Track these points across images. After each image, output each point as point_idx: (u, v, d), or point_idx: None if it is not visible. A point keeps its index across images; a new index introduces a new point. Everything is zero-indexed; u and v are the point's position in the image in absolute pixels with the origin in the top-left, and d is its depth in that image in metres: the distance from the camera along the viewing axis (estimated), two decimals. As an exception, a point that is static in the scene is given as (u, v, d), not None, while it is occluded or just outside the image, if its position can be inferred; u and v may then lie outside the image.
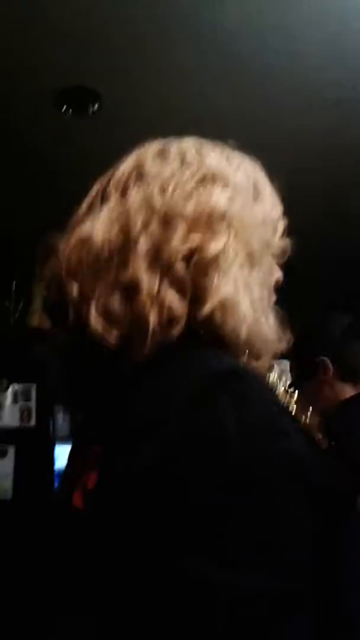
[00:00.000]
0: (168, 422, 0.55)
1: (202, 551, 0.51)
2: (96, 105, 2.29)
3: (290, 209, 0.80)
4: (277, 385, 0.97)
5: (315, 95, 2.29)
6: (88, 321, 0.64)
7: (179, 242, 0.65)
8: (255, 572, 0.50)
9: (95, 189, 0.76)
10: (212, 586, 0.49)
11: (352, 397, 1.62)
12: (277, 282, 0.77)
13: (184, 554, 0.51)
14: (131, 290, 0.64)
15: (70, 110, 2.33)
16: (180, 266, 0.65)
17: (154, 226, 0.66)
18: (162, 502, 0.53)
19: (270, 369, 0.79)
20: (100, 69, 2.13)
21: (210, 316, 0.64)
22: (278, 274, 0.77)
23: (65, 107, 2.30)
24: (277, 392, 0.75)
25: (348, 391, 1.65)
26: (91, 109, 2.31)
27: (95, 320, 0.64)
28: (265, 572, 0.50)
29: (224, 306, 0.64)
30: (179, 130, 0.82)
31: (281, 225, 0.77)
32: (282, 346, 0.73)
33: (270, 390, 0.63)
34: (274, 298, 0.76)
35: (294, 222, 0.80)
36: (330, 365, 1.66)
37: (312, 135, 2.55)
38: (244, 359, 0.69)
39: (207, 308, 0.64)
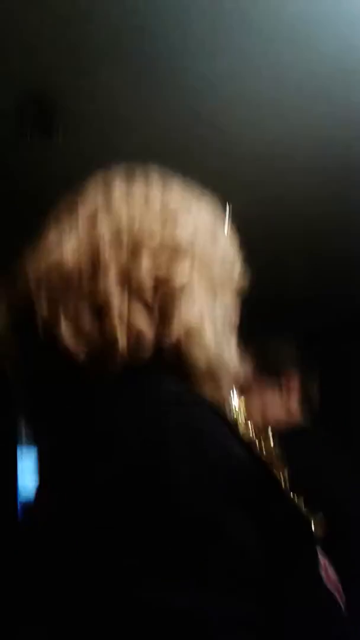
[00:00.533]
0: (119, 444, 0.57)
1: (158, 578, 0.51)
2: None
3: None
4: (238, 414, 0.97)
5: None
6: (59, 338, 0.66)
7: (146, 271, 0.69)
8: (221, 597, 0.51)
9: (63, 217, 0.77)
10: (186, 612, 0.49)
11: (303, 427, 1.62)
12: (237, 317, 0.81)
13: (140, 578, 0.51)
14: (102, 310, 0.67)
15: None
16: (148, 293, 0.68)
17: (123, 255, 0.69)
18: (116, 520, 0.53)
19: (227, 399, 0.82)
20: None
21: (176, 344, 0.67)
22: (236, 311, 0.82)
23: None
24: (231, 420, 0.77)
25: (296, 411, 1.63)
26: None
27: (65, 337, 0.66)
28: (229, 595, 0.51)
29: (189, 334, 0.68)
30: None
31: (237, 264, 0.81)
32: (242, 373, 0.75)
33: (219, 418, 0.64)
34: (235, 330, 0.79)
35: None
36: (297, 379, 1.66)
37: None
38: (204, 386, 0.71)
39: (173, 336, 0.67)
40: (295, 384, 1.66)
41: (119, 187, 0.78)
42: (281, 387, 1.65)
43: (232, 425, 0.71)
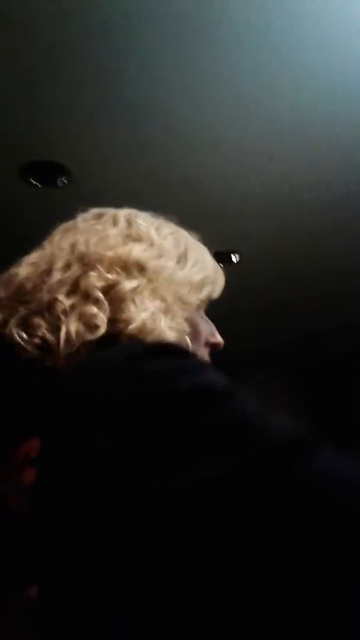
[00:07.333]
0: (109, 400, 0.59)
1: None
2: (64, 179, 2.35)
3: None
4: None
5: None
6: (10, 335, 0.72)
7: (95, 279, 0.75)
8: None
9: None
10: None
11: None
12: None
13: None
14: (49, 309, 0.73)
15: (39, 183, 2.39)
16: (97, 294, 0.74)
17: (75, 267, 0.77)
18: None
19: None
20: (69, 144, 2.21)
21: (121, 334, 0.72)
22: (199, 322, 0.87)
23: (33, 180, 2.36)
24: None
25: None
26: (60, 182, 2.37)
27: (15, 332, 0.72)
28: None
29: (143, 330, 0.72)
30: (144, 202, 0.87)
31: (206, 288, 0.87)
32: None
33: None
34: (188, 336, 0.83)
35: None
36: None
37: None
38: None
39: (128, 331, 0.72)
40: None
41: (91, 212, 0.87)
42: None
43: None
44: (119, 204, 0.89)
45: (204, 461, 0.52)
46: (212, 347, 0.90)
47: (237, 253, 3.06)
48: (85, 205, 0.88)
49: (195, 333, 0.84)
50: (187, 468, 0.52)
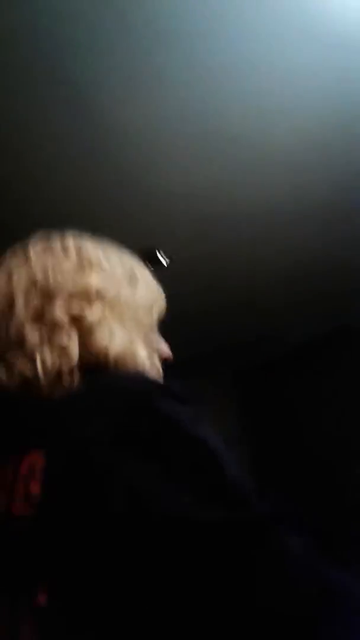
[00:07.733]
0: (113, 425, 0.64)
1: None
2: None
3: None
4: None
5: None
6: None
7: (60, 310, 0.78)
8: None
9: None
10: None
11: None
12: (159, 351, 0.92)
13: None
14: (20, 344, 0.76)
15: None
16: (64, 324, 0.77)
17: (37, 301, 0.79)
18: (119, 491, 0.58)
19: None
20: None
21: (98, 362, 0.76)
22: (157, 337, 0.93)
23: None
24: None
25: None
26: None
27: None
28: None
29: (124, 356, 0.77)
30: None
31: (155, 307, 0.92)
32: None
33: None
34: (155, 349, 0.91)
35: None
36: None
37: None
38: None
39: (110, 358, 0.76)
40: None
41: (39, 246, 0.88)
42: None
43: None
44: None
45: (194, 502, 0.58)
46: (164, 360, 0.94)
47: (163, 252, 3.00)
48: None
49: (152, 351, 0.89)
50: (179, 501, 0.58)
